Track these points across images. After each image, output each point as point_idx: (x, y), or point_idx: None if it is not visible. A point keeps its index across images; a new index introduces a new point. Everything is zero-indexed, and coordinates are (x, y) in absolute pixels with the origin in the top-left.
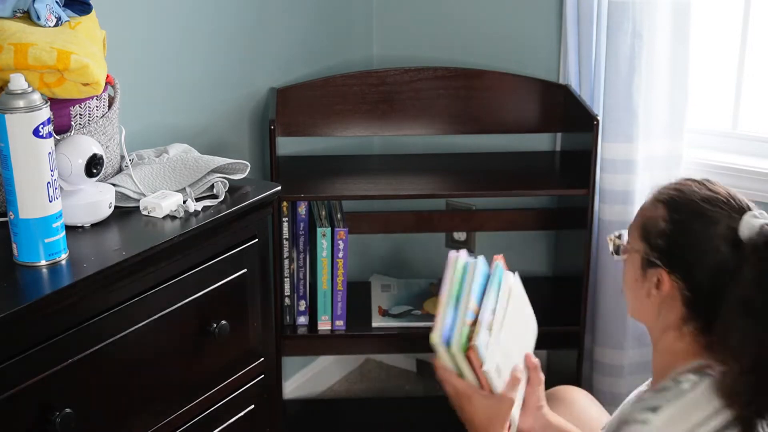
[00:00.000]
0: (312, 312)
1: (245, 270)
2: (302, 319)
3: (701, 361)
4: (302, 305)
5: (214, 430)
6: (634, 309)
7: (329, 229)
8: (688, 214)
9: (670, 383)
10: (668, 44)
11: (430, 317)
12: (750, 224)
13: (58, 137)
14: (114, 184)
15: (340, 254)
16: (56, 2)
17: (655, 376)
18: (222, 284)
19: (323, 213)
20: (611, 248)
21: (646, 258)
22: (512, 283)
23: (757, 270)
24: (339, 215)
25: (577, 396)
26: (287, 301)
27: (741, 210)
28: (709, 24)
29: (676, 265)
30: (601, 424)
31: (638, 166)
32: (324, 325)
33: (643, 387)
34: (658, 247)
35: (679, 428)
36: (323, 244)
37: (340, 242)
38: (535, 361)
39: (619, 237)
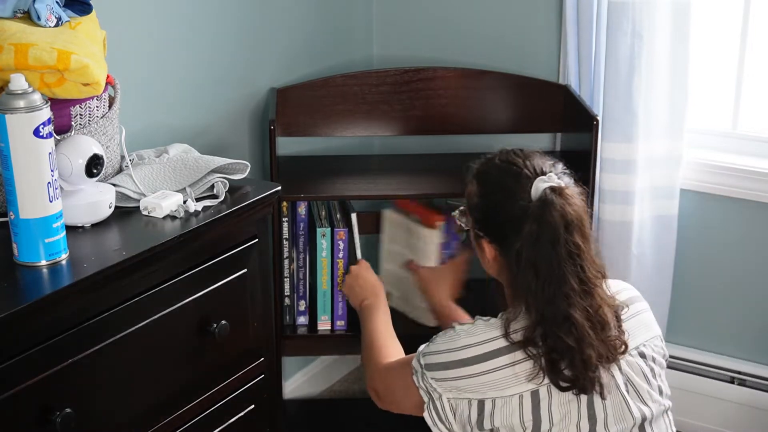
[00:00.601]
0: (312, 312)
1: (245, 270)
2: (302, 319)
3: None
4: (302, 305)
5: (214, 430)
6: (489, 271)
7: (329, 229)
8: (490, 188)
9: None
10: (668, 44)
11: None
12: (536, 188)
13: (58, 137)
14: (114, 184)
15: (340, 254)
16: (56, 2)
17: None
18: (222, 284)
19: (323, 213)
20: (456, 225)
21: (474, 231)
22: None
23: (533, 227)
24: (338, 215)
25: None
26: (287, 301)
27: (536, 175)
28: (709, 24)
29: (491, 234)
30: None
31: (638, 166)
32: (324, 325)
33: None
34: (477, 220)
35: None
36: (323, 245)
37: (339, 242)
38: None
39: (462, 215)
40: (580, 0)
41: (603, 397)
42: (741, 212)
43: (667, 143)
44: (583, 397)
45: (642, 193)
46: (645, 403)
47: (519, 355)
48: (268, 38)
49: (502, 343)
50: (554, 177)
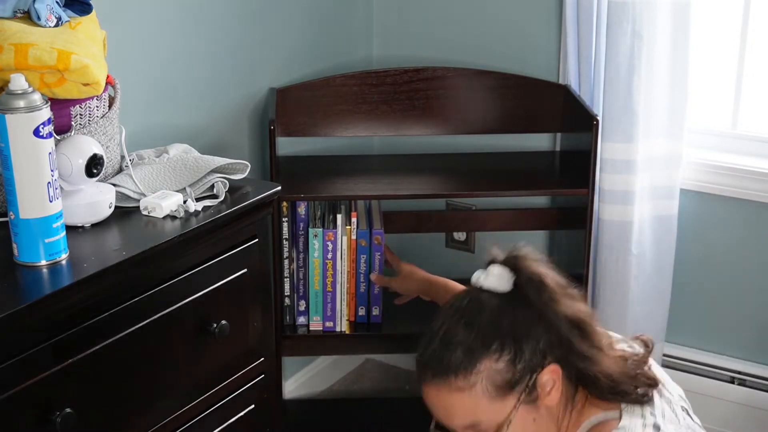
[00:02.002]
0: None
1: (245, 270)
2: (302, 319)
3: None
4: (302, 305)
5: (214, 430)
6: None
7: (321, 229)
8: (493, 342)
9: None
10: (668, 44)
11: None
12: (483, 280)
13: (58, 137)
14: (114, 184)
15: (329, 255)
16: (56, 2)
17: None
18: (222, 284)
19: (318, 213)
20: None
21: (526, 393)
22: None
23: (513, 317)
24: (332, 216)
25: None
26: (287, 301)
27: (476, 291)
28: (709, 24)
29: (538, 361)
30: None
31: (638, 166)
32: (315, 325)
33: None
34: (523, 371)
35: None
36: (315, 245)
37: (329, 243)
38: None
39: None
40: (580, 0)
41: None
42: (741, 212)
43: (667, 143)
44: None
45: (642, 193)
46: None
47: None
48: (268, 38)
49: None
50: (486, 273)
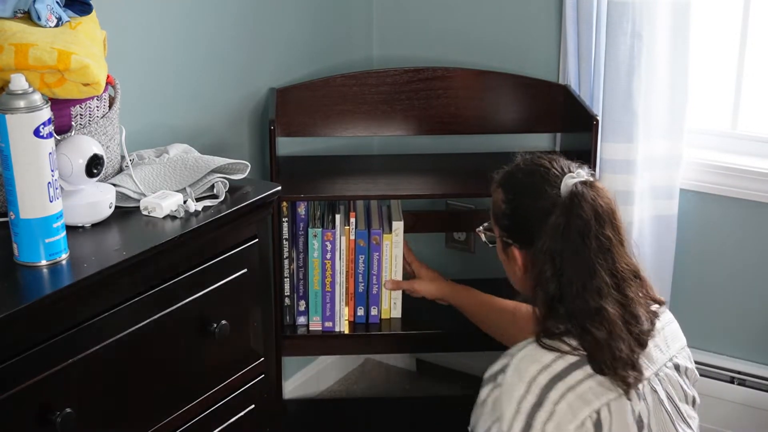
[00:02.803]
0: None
1: (245, 270)
2: (302, 319)
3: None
4: (302, 305)
5: (214, 430)
6: (517, 285)
7: (320, 230)
8: (518, 191)
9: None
10: (668, 44)
11: None
12: (566, 184)
13: (58, 137)
14: (114, 184)
15: (328, 255)
16: (57, 3)
17: None
18: (222, 284)
19: (317, 213)
20: (483, 239)
21: (502, 239)
22: None
23: (560, 220)
24: (331, 216)
25: None
26: (287, 301)
27: (563, 174)
28: (709, 24)
29: (521, 240)
30: None
31: (638, 166)
32: (315, 325)
33: None
34: (506, 228)
35: (533, 367)
36: (314, 245)
37: (327, 243)
38: None
39: (488, 228)
40: (580, 0)
41: (638, 397)
42: (741, 212)
43: (667, 143)
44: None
45: (642, 193)
46: (689, 426)
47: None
48: (268, 38)
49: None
50: (583, 173)
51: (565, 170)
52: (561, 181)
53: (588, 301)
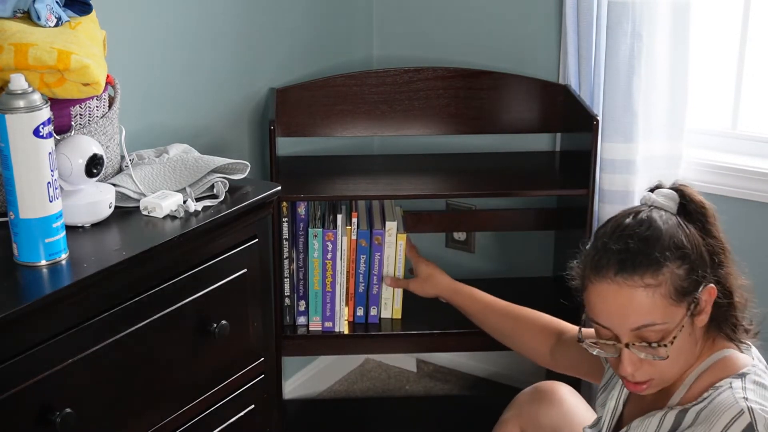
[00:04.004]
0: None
1: (245, 270)
2: (302, 319)
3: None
4: (302, 305)
5: (214, 430)
6: (679, 371)
7: (320, 230)
8: (684, 252)
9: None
10: (668, 44)
11: None
12: (657, 198)
13: (58, 137)
14: (114, 184)
15: (329, 255)
16: (56, 2)
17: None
18: (222, 284)
19: (318, 213)
20: (646, 355)
21: (694, 304)
22: None
23: (690, 229)
24: (331, 217)
25: (563, 392)
26: (287, 301)
27: (649, 207)
28: (709, 24)
29: (704, 277)
30: (587, 421)
31: (638, 166)
32: (315, 326)
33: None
34: (695, 283)
35: (764, 391)
36: (314, 245)
37: (328, 243)
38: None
39: (657, 344)
40: (580, 0)
41: None
42: (741, 212)
43: (667, 143)
44: None
45: (642, 193)
46: None
47: None
48: (268, 38)
49: None
50: (655, 193)
51: (644, 202)
52: (656, 208)
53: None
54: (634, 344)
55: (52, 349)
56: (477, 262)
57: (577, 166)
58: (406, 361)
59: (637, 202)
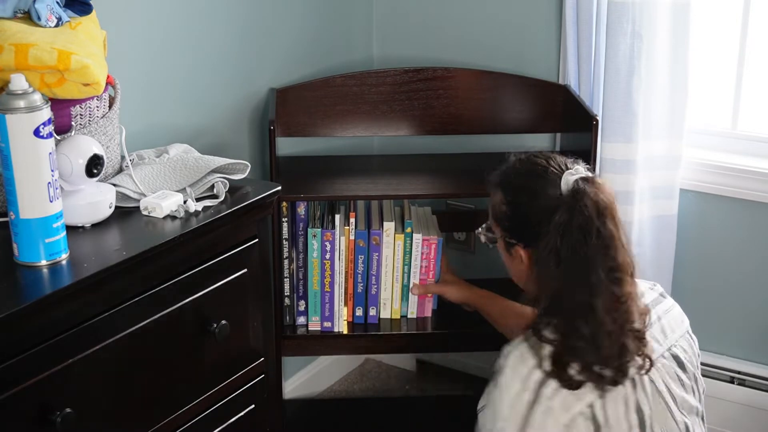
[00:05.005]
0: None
1: (245, 270)
2: (302, 319)
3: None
4: (302, 305)
5: (214, 430)
6: (522, 283)
7: (319, 230)
8: (518, 191)
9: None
10: (668, 44)
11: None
12: (566, 181)
13: (58, 137)
14: (114, 184)
15: (327, 255)
16: (57, 3)
17: None
18: (222, 284)
19: (317, 214)
20: (483, 240)
21: (505, 240)
22: None
23: (564, 217)
24: (330, 217)
25: None
26: (287, 301)
27: (562, 171)
28: (709, 24)
29: (524, 238)
30: None
31: (638, 166)
32: (314, 325)
33: None
34: (507, 228)
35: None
36: (314, 245)
37: (327, 243)
38: None
39: (488, 229)
40: (580, 0)
41: (635, 388)
42: (741, 212)
43: (667, 143)
44: (631, 394)
45: (642, 193)
46: (685, 414)
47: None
48: (268, 38)
49: (538, 375)
50: (581, 169)
51: (563, 167)
52: (560, 179)
53: (581, 296)
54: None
55: (52, 349)
56: (477, 262)
57: None
58: (406, 361)
59: (637, 202)
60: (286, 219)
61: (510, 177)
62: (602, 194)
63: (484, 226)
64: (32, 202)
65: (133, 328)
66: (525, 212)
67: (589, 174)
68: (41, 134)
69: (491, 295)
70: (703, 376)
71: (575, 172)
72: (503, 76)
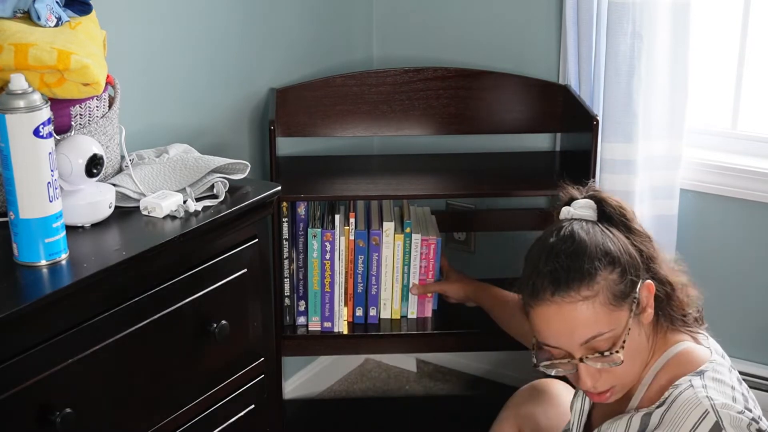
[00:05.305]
0: None
1: (245, 270)
2: (302, 319)
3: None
4: (302, 305)
5: (214, 430)
6: (637, 373)
7: (319, 230)
8: (608, 261)
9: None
10: (668, 44)
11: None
12: (577, 208)
13: (58, 137)
14: (114, 184)
15: (327, 256)
16: (56, 2)
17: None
18: (222, 284)
19: (317, 214)
20: (602, 365)
21: (635, 304)
22: None
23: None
24: (331, 217)
25: (559, 390)
26: (287, 301)
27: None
28: (709, 24)
29: (640, 272)
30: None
31: (638, 166)
32: (314, 326)
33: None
34: (632, 283)
35: (724, 388)
36: (314, 245)
37: (327, 244)
38: None
39: (609, 352)
40: (580, 0)
41: None
42: (741, 212)
43: (667, 143)
44: None
45: (642, 193)
46: None
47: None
48: (268, 38)
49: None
50: (572, 206)
51: (565, 216)
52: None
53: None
54: (587, 357)
55: (52, 349)
56: (477, 262)
57: (577, 166)
58: (406, 361)
59: (637, 202)
60: (286, 219)
61: (590, 261)
62: (613, 200)
63: (610, 352)
64: (32, 202)
65: (133, 328)
66: (626, 261)
67: (588, 193)
68: (41, 134)
69: (491, 289)
70: None
71: (568, 207)
72: (503, 76)
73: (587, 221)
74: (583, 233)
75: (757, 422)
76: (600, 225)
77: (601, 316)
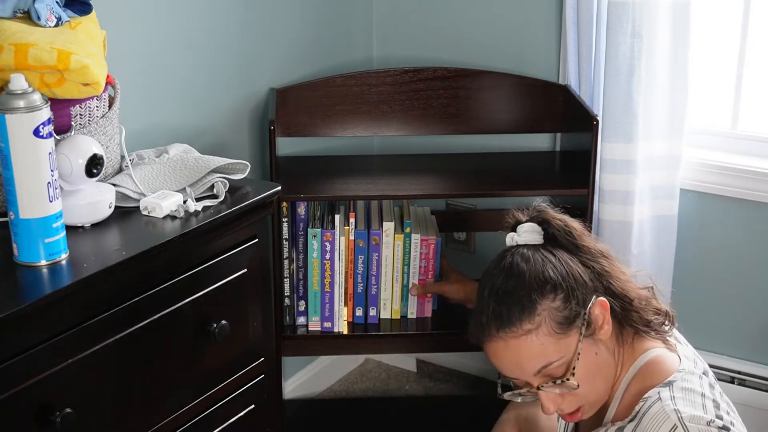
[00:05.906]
0: None
1: (245, 270)
2: (302, 319)
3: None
4: (302, 305)
5: (214, 430)
6: (603, 390)
7: (319, 230)
8: (538, 285)
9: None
10: (668, 44)
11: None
12: (525, 232)
13: (58, 137)
14: (114, 184)
15: (327, 256)
16: (56, 2)
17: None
18: (222, 284)
19: (317, 214)
20: (560, 390)
21: (584, 327)
22: None
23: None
24: (331, 217)
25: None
26: (287, 301)
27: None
28: (709, 23)
29: (588, 292)
30: None
31: (638, 166)
32: (314, 326)
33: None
34: (577, 306)
35: (693, 396)
36: (314, 245)
37: (327, 244)
38: None
39: (561, 380)
40: (580, 0)
41: None
42: (741, 212)
43: (667, 143)
44: None
45: (642, 193)
46: None
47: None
48: (268, 38)
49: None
50: (517, 232)
51: (509, 243)
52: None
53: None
54: (543, 386)
55: (52, 349)
56: (477, 262)
57: (577, 166)
58: (406, 361)
59: (637, 202)
60: (286, 219)
61: (534, 284)
62: (559, 220)
63: (561, 380)
64: (32, 202)
65: (133, 328)
66: (569, 285)
67: (532, 215)
68: (41, 134)
69: None
70: None
71: (513, 233)
72: (503, 76)
73: (530, 247)
74: (523, 263)
75: (728, 429)
76: (542, 250)
77: (548, 346)
